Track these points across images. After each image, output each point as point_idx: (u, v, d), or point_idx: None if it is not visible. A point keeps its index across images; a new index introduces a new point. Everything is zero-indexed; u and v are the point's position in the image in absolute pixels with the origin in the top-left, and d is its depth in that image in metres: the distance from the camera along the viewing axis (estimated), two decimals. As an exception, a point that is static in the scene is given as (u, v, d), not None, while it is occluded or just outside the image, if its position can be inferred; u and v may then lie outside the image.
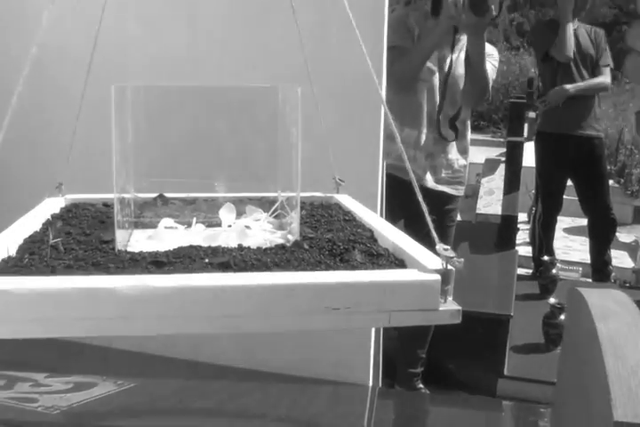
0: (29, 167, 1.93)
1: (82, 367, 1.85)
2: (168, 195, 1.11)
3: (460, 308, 0.73)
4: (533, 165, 4.31)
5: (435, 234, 0.79)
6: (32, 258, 0.78)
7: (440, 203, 2.69)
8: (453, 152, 2.76)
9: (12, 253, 0.82)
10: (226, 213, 1.03)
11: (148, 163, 0.98)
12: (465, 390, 2.85)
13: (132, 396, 1.70)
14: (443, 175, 2.74)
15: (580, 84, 3.98)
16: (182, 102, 1.03)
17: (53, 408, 1.56)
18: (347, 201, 1.18)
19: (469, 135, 2.85)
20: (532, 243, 4.56)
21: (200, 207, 1.08)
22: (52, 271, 0.73)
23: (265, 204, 1.08)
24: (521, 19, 18.60)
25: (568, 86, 3.96)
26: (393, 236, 0.91)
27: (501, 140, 9.14)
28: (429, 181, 2.70)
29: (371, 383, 1.89)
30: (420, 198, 0.84)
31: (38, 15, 1.95)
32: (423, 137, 2.66)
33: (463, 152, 2.80)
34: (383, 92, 1.71)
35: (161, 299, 0.68)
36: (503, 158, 4.87)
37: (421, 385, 2.93)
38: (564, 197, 4.40)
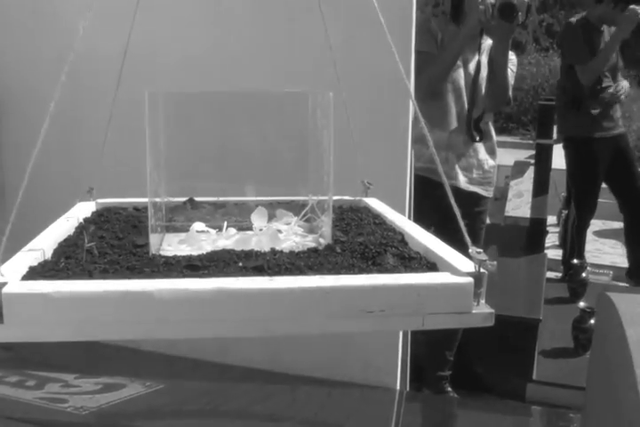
0: (61, 171, 1.95)
1: (111, 369, 1.86)
2: (198, 199, 1.11)
3: (492, 311, 0.73)
4: (563, 167, 4.26)
5: (467, 237, 0.79)
6: (68, 262, 0.79)
7: (471, 204, 2.69)
8: (482, 152, 2.77)
9: (48, 256, 0.83)
10: (258, 217, 1.04)
11: (179, 167, 0.99)
12: (493, 394, 2.83)
13: (161, 397, 1.72)
14: (474, 176, 2.75)
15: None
16: (214, 107, 1.04)
17: (83, 409, 1.58)
18: (375, 204, 1.18)
19: (495, 136, 2.84)
20: (562, 246, 4.51)
21: (230, 211, 1.09)
22: (89, 275, 0.74)
23: (294, 207, 1.09)
24: (550, 19, 18.44)
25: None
26: (424, 239, 0.91)
27: (530, 142, 9.06)
28: (462, 181, 2.69)
29: (398, 387, 1.89)
30: (453, 201, 0.84)
31: (68, 18, 1.97)
32: (453, 138, 2.66)
33: (491, 153, 2.81)
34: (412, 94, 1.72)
35: (198, 303, 0.68)
36: (532, 161, 4.83)
37: (449, 388, 2.91)
38: (596, 199, 4.35)
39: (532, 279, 3.34)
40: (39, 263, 0.79)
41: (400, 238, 0.95)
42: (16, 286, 0.68)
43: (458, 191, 2.61)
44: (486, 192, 2.81)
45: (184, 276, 0.74)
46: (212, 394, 1.77)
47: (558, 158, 4.14)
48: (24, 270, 0.75)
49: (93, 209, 1.13)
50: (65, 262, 0.78)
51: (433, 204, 1.79)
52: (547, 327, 3.12)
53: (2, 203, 2.29)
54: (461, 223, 0.83)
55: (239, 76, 1.81)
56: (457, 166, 2.69)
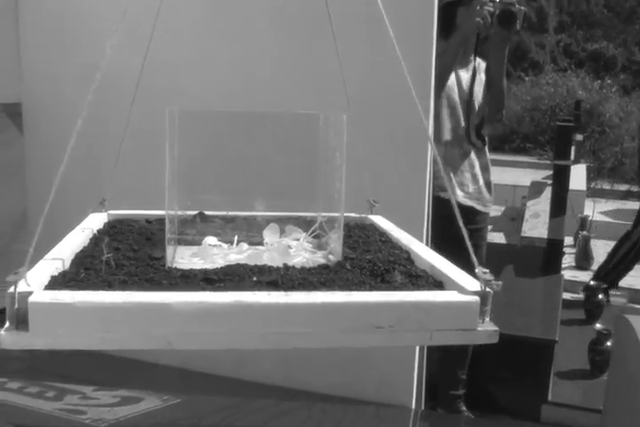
0: (77, 182, 1.97)
1: (128, 382, 1.87)
2: (208, 213, 1.14)
3: (497, 328, 0.76)
4: (580, 188, 4.26)
5: (474, 257, 0.82)
6: (88, 273, 0.82)
7: (469, 219, 2.70)
8: (477, 167, 2.79)
9: (66, 267, 0.86)
10: (270, 233, 1.06)
11: (192, 182, 1.01)
12: (509, 414, 2.82)
13: (178, 411, 1.73)
14: (470, 190, 2.77)
15: None
16: (227, 125, 1.06)
17: (101, 421, 1.59)
18: (381, 222, 1.21)
19: (488, 154, 2.87)
20: (605, 269, 4.42)
21: (240, 226, 1.11)
22: (109, 286, 0.76)
23: (302, 223, 1.12)
24: (568, 40, 18.45)
25: None
26: (429, 257, 0.95)
27: (547, 162, 9.06)
28: (459, 195, 2.71)
29: (414, 405, 1.89)
30: (458, 215, 0.86)
31: (94, 35, 2.01)
32: (449, 152, 2.69)
33: (485, 168, 2.83)
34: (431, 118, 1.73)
35: (216, 315, 0.71)
36: (549, 181, 4.82)
37: (464, 408, 2.90)
38: (612, 220, 4.34)
39: (548, 300, 3.33)
40: (59, 273, 0.82)
41: (406, 256, 0.99)
42: (41, 295, 0.70)
43: (457, 205, 2.62)
44: (484, 207, 2.82)
45: (201, 289, 0.76)
46: (229, 410, 1.77)
47: (576, 179, 4.14)
48: (46, 280, 0.78)
49: (105, 220, 1.16)
50: (85, 273, 0.81)
51: (438, 219, 1.81)
52: (563, 348, 3.10)
53: (25, 208, 2.33)
54: (468, 242, 0.85)
55: (258, 94, 1.84)
56: (453, 180, 2.71)
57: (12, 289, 0.69)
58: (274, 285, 0.79)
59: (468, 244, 0.84)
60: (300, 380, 1.90)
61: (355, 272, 0.86)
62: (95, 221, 1.11)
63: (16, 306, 0.69)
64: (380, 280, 0.84)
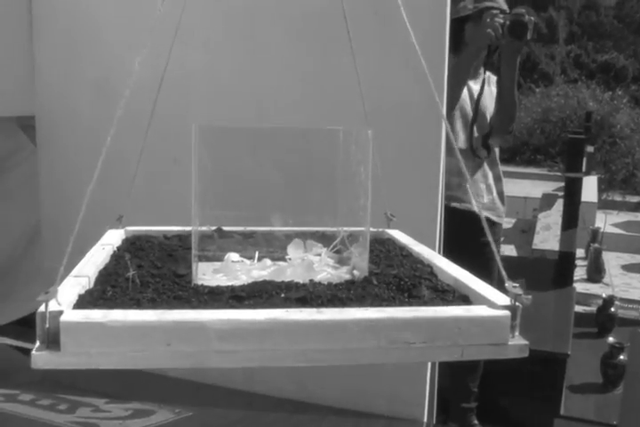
0: (93, 198, 1.98)
1: (140, 395, 1.87)
2: (227, 228, 1.14)
3: (527, 342, 0.76)
4: (591, 200, 4.25)
5: (503, 271, 0.82)
6: (115, 291, 0.82)
7: (483, 231, 2.69)
8: (490, 178, 2.80)
9: (91, 284, 0.86)
10: (294, 249, 1.06)
11: (212, 198, 1.01)
12: (520, 428, 2.80)
13: (190, 424, 1.72)
14: (485, 201, 2.77)
15: None
16: (248, 141, 1.07)
17: (113, 434, 1.59)
18: (399, 236, 1.21)
19: (500, 164, 2.87)
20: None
21: (259, 241, 1.11)
22: (138, 304, 0.76)
23: (321, 238, 1.11)
24: (578, 50, 18.45)
25: None
26: (452, 271, 0.95)
27: (558, 174, 9.04)
28: (475, 206, 2.71)
29: (425, 419, 1.88)
30: (487, 229, 0.88)
31: (108, 46, 2.02)
32: (463, 164, 2.69)
33: (498, 179, 2.83)
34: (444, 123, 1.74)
35: (249, 333, 0.71)
36: (560, 193, 4.81)
37: (476, 421, 2.89)
38: (623, 232, 4.32)
39: (560, 313, 3.31)
40: (86, 292, 0.82)
41: (430, 271, 0.98)
42: (72, 314, 0.70)
43: (472, 216, 2.62)
44: (498, 218, 2.83)
45: (230, 306, 0.76)
46: (241, 423, 1.77)
47: (587, 191, 4.12)
48: (73, 298, 0.77)
49: (124, 237, 1.16)
50: (112, 291, 0.81)
51: (449, 230, 1.81)
52: (575, 362, 3.09)
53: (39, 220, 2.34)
54: (498, 256, 0.86)
55: (272, 108, 1.85)
56: (470, 191, 2.71)
57: (42, 308, 0.69)
58: (302, 301, 0.78)
59: (498, 257, 0.86)
60: (312, 393, 1.90)
61: (381, 287, 0.86)
62: (114, 238, 1.11)
63: (47, 325, 0.68)
64: (408, 295, 0.84)
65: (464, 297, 0.85)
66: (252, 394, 1.92)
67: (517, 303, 0.76)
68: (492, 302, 0.79)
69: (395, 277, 0.90)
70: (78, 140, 2.16)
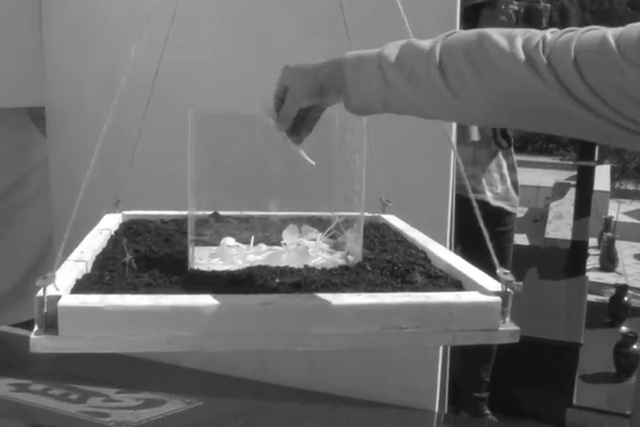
0: (93, 183, 1.98)
1: (151, 384, 1.88)
2: (223, 213, 1.14)
3: (518, 328, 0.76)
4: (604, 189, 4.22)
5: (494, 258, 0.82)
6: (112, 275, 0.82)
7: (498, 221, 2.68)
8: (505, 167, 2.77)
9: (89, 269, 0.87)
10: (289, 234, 1.06)
11: (209, 183, 1.01)
12: (533, 418, 2.79)
13: (200, 414, 1.73)
14: (499, 191, 2.75)
15: None
16: (244, 128, 1.06)
17: (124, 424, 1.60)
18: (394, 221, 1.22)
19: (514, 154, 2.86)
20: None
21: (255, 226, 1.11)
22: (135, 289, 0.77)
23: (316, 223, 1.12)
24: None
25: None
26: (446, 257, 0.95)
27: (570, 163, 8.98)
28: (488, 196, 2.68)
29: (437, 409, 1.87)
30: (480, 219, 0.87)
31: (117, 37, 2.02)
32: (477, 152, 2.67)
33: (512, 168, 2.81)
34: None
35: (244, 317, 0.71)
36: (573, 182, 4.78)
37: (488, 411, 2.88)
38: (636, 221, 4.29)
39: (572, 303, 3.30)
40: (84, 276, 0.82)
41: (423, 256, 0.99)
42: (70, 299, 0.71)
43: (485, 206, 2.61)
44: (512, 208, 2.80)
45: (226, 291, 0.77)
46: (252, 412, 1.77)
47: (599, 180, 4.09)
48: (71, 283, 0.78)
49: (121, 221, 1.17)
50: (109, 276, 0.82)
51: (459, 219, 1.79)
52: (588, 351, 3.07)
53: (50, 215, 2.34)
54: (489, 244, 0.85)
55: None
56: (483, 181, 2.69)
57: (40, 293, 0.70)
58: (297, 286, 0.79)
59: (489, 245, 0.85)
60: (324, 383, 1.89)
61: (375, 273, 0.86)
62: (111, 222, 1.12)
63: (45, 310, 0.69)
64: (401, 281, 0.84)
65: (457, 283, 0.86)
66: (262, 384, 1.92)
67: (508, 289, 0.77)
68: (483, 287, 0.79)
69: (388, 263, 0.91)
70: (88, 131, 2.15)
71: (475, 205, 0.89)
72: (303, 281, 0.80)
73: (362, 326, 0.73)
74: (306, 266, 0.88)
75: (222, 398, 1.87)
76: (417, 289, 0.81)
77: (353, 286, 0.80)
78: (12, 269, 2.45)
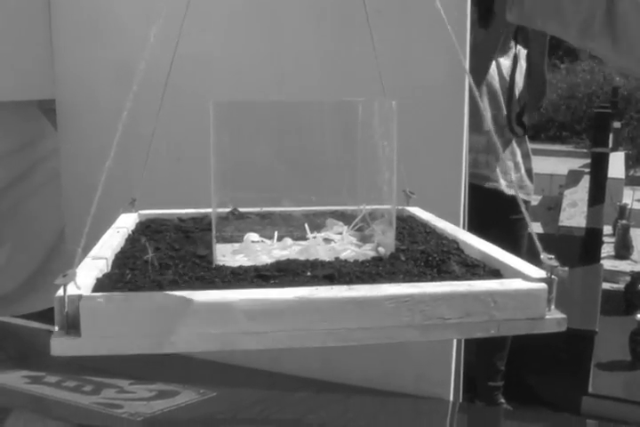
0: (108, 181, 1.97)
1: (164, 376, 1.88)
2: (242, 209, 1.11)
3: (565, 316, 0.74)
4: (618, 176, 4.18)
5: (538, 242, 0.80)
6: (134, 274, 0.79)
7: (513, 208, 2.67)
8: (519, 155, 2.76)
9: (108, 268, 0.84)
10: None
11: (230, 178, 0.99)
12: (548, 406, 2.78)
13: (214, 405, 1.72)
14: (513, 179, 2.73)
15: None
16: (264, 117, 1.04)
17: (138, 415, 1.60)
18: (420, 213, 1.18)
19: (529, 142, 2.84)
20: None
21: (276, 221, 1.08)
22: (159, 287, 0.73)
23: (339, 217, 1.09)
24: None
25: None
26: (479, 245, 0.92)
27: (584, 150, 8.92)
28: (503, 184, 2.67)
29: (452, 398, 1.87)
30: (524, 209, 0.88)
31: (127, 27, 2.01)
32: (491, 141, 2.65)
33: (526, 156, 2.80)
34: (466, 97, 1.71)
35: (279, 312, 0.68)
36: (587, 169, 4.75)
37: (503, 400, 2.87)
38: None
39: (587, 290, 3.28)
40: (104, 275, 0.79)
41: (456, 246, 0.96)
42: (93, 298, 0.67)
43: (499, 195, 2.59)
44: (526, 196, 2.79)
45: (256, 286, 0.73)
46: (266, 403, 1.77)
47: (613, 167, 4.06)
48: (92, 282, 0.75)
49: (137, 220, 1.14)
50: (131, 274, 0.78)
51: (473, 208, 1.78)
52: (603, 339, 3.06)
53: (60, 204, 2.35)
54: (533, 232, 0.83)
55: (291, 87, 1.83)
56: (497, 169, 2.67)
57: (60, 292, 0.66)
58: (330, 278, 0.76)
59: (533, 233, 0.83)
60: (338, 373, 1.89)
61: (410, 264, 0.84)
62: (128, 221, 1.09)
63: (66, 310, 0.66)
64: (437, 271, 0.82)
65: (495, 271, 0.83)
66: (276, 374, 1.92)
67: (553, 276, 0.74)
68: (525, 274, 0.77)
69: (422, 253, 0.88)
70: (99, 124, 2.15)
71: (520, 202, 0.87)
72: (336, 273, 0.77)
73: (404, 317, 0.70)
74: (337, 258, 0.85)
75: (236, 389, 1.86)
76: (456, 278, 0.78)
77: (389, 277, 0.77)
78: (24, 262, 2.46)
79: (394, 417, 1.77)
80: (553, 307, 0.75)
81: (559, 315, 0.74)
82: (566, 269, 0.74)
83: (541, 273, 0.76)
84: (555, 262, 0.74)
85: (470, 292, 0.72)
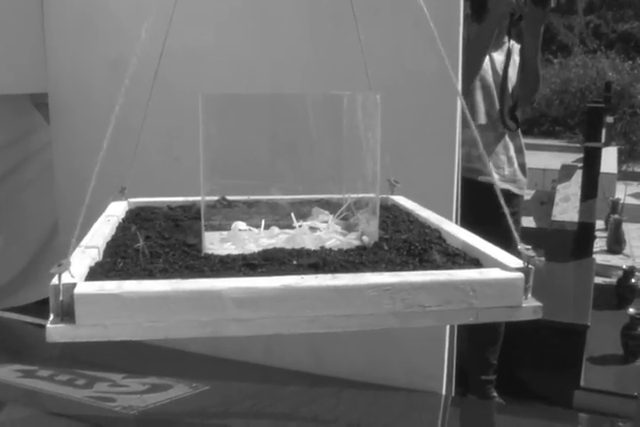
0: (104, 171, 1.97)
1: (157, 369, 1.88)
2: (230, 197, 1.12)
3: (541, 304, 0.77)
4: (611, 171, 4.20)
5: (516, 234, 0.83)
6: (126, 262, 0.81)
7: (506, 202, 2.68)
8: (512, 150, 2.77)
9: (100, 257, 0.85)
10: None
11: (217, 167, 1.00)
12: (540, 400, 2.79)
13: (207, 398, 1.73)
14: (506, 173, 2.75)
15: None
16: (252, 109, 1.05)
17: (131, 408, 1.60)
18: (404, 202, 1.20)
19: (522, 137, 2.84)
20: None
21: (263, 210, 1.10)
22: (150, 275, 0.76)
23: (325, 205, 1.10)
24: (597, 21, 18.15)
25: None
26: (461, 235, 0.94)
27: (577, 145, 8.94)
28: (495, 178, 2.67)
29: (444, 391, 1.87)
30: (502, 201, 0.88)
31: (121, 23, 2.00)
32: (484, 135, 2.65)
33: (519, 151, 2.80)
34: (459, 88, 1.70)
35: (266, 300, 0.71)
36: (580, 164, 4.76)
37: (495, 393, 2.88)
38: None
39: (579, 285, 3.29)
40: (97, 264, 0.81)
41: (438, 235, 0.98)
42: (86, 286, 0.70)
43: (492, 188, 2.59)
44: (519, 190, 2.80)
45: (244, 274, 0.76)
46: (258, 396, 1.77)
47: (606, 162, 4.07)
48: (84, 271, 0.77)
49: (127, 208, 1.15)
50: (123, 262, 0.80)
51: (466, 202, 1.78)
52: (595, 333, 3.07)
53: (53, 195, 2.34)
54: (510, 221, 0.85)
55: (284, 80, 1.82)
56: (490, 163, 2.68)
57: (55, 281, 0.68)
58: (315, 267, 0.78)
59: (510, 222, 0.85)
60: (330, 366, 1.89)
61: (393, 253, 0.86)
62: (118, 210, 1.10)
63: (61, 298, 0.68)
64: (419, 260, 0.84)
65: (475, 260, 0.85)
66: (269, 368, 1.92)
67: (530, 266, 0.76)
68: (504, 264, 0.79)
69: (405, 242, 0.90)
70: (91, 117, 2.15)
71: (498, 189, 0.88)
72: (321, 262, 0.79)
73: (385, 305, 0.72)
74: (322, 247, 0.87)
75: (229, 383, 1.87)
76: (437, 267, 0.81)
77: (372, 266, 0.80)
78: (17, 254, 2.46)
79: (386, 411, 1.78)
80: (530, 295, 0.77)
81: (535, 303, 0.76)
82: (542, 258, 0.76)
83: (519, 263, 0.78)
84: (532, 252, 0.77)
85: (450, 281, 0.74)
